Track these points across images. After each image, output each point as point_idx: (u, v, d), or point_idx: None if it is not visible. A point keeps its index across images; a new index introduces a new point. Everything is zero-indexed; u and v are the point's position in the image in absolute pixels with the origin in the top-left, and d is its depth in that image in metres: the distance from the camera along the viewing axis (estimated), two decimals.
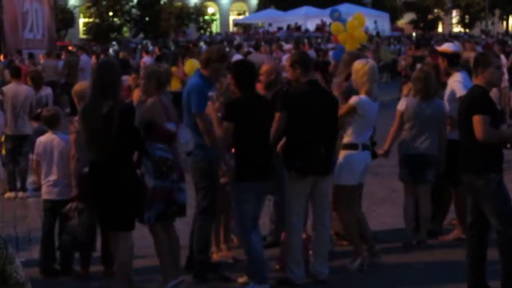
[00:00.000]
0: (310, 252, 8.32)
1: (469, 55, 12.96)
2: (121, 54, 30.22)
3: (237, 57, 9.63)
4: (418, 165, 9.28)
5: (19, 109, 13.00)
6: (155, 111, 7.60)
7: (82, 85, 8.67)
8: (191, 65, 16.19)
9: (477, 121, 7.11)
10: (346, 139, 8.47)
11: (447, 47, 10.15)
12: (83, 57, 28.27)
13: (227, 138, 7.78)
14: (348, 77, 9.01)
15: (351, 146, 8.46)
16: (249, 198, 7.77)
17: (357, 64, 8.57)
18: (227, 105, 7.89)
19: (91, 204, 8.03)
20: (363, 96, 8.46)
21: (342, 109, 8.43)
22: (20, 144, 13.21)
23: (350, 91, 8.84)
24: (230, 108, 7.82)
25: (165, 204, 7.58)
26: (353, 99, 8.44)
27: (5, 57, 29.06)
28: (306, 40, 38.58)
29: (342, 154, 8.46)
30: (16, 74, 13.71)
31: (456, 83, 9.32)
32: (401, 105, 9.42)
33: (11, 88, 13.28)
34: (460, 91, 9.05)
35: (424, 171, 9.28)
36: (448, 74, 9.66)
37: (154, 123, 7.54)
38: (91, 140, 7.31)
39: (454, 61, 9.73)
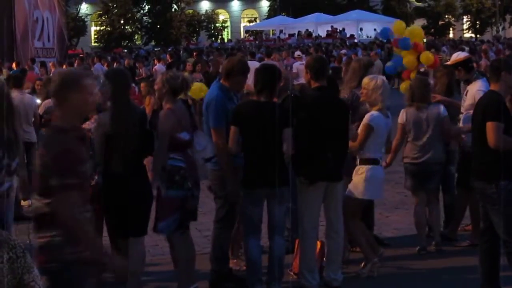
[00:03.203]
0: (324, 258, 8.32)
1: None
2: (126, 62, 30.29)
3: (252, 64, 9.60)
4: (421, 174, 9.25)
5: (24, 118, 12.99)
6: (167, 123, 7.59)
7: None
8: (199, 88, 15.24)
9: (490, 127, 7.07)
10: (365, 155, 8.47)
11: (457, 56, 10.05)
12: (97, 66, 28.38)
13: (233, 143, 7.73)
14: (358, 84, 8.98)
15: (373, 161, 8.47)
16: (252, 204, 7.76)
17: (367, 80, 8.55)
18: (233, 110, 7.82)
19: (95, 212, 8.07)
20: (375, 112, 8.45)
21: (360, 133, 8.41)
22: (27, 153, 13.18)
23: (358, 100, 8.84)
24: (235, 113, 7.77)
25: (180, 213, 7.58)
26: (366, 118, 8.43)
27: (17, 65, 29.15)
28: (313, 47, 38.44)
29: (364, 169, 8.44)
30: (17, 83, 13.65)
31: (479, 92, 9.16)
32: (401, 117, 9.34)
33: (14, 97, 13.13)
34: None
35: (427, 180, 9.25)
36: (467, 81, 9.57)
37: (166, 133, 7.53)
38: (117, 150, 7.27)
39: (470, 66, 9.66)
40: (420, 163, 9.23)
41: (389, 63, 15.44)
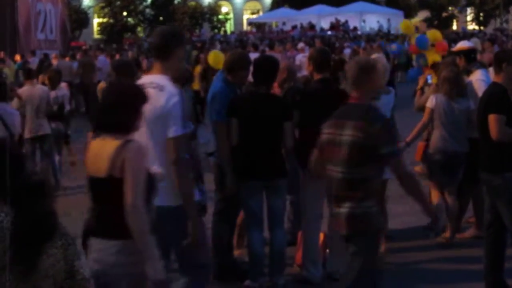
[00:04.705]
0: (327, 250, 8.32)
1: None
2: (130, 54, 30.29)
3: (253, 56, 9.62)
4: (450, 165, 9.21)
5: (36, 110, 12.90)
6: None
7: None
8: (216, 56, 15.83)
9: (492, 120, 7.06)
10: None
11: (462, 44, 10.10)
12: (100, 58, 28.42)
13: (233, 134, 7.70)
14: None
15: None
16: (250, 196, 7.75)
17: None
18: (231, 101, 7.80)
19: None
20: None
21: None
22: (40, 145, 13.13)
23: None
24: (233, 104, 7.75)
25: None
26: None
27: (21, 58, 29.19)
28: (320, 39, 38.39)
29: None
30: (29, 75, 13.64)
31: (478, 82, 9.21)
32: (432, 102, 9.26)
33: (25, 90, 13.14)
34: (483, 90, 8.99)
35: (455, 170, 9.23)
36: (467, 72, 9.59)
37: None
38: None
39: (472, 57, 9.67)
40: (450, 154, 9.17)
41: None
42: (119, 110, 4.85)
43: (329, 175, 5.83)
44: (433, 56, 13.15)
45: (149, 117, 5.38)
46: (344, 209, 5.69)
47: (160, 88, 5.69)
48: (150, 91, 5.42)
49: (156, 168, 5.08)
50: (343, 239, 5.84)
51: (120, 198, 4.71)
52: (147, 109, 5.11)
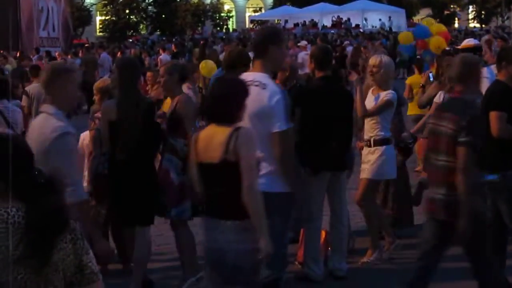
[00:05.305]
0: (329, 248, 8.33)
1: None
2: (132, 52, 30.30)
3: None
4: None
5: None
6: (189, 108, 7.60)
7: (104, 81, 8.71)
8: (208, 66, 15.93)
9: (493, 117, 7.06)
10: (380, 135, 8.41)
11: (467, 42, 10.14)
12: (103, 55, 28.46)
13: None
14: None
15: (388, 141, 8.43)
16: None
17: (380, 59, 8.48)
18: None
19: (104, 201, 8.06)
20: (393, 91, 8.43)
21: (380, 104, 8.36)
22: None
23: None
24: None
25: (192, 199, 7.58)
26: (389, 95, 8.37)
27: (21, 54, 29.16)
28: (321, 37, 38.38)
29: (380, 150, 8.38)
30: (36, 73, 13.62)
31: (482, 79, 9.22)
32: (440, 98, 9.22)
33: (34, 87, 13.06)
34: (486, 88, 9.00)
35: None
36: None
37: (182, 120, 7.51)
38: (120, 137, 7.31)
39: (477, 55, 9.69)
40: None
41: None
42: (227, 101, 5.33)
43: (430, 162, 6.25)
44: (438, 43, 13.19)
45: (252, 113, 5.71)
46: (440, 195, 6.10)
47: (263, 86, 5.99)
48: (253, 89, 5.77)
49: (258, 153, 5.47)
50: (436, 223, 6.22)
51: (232, 181, 5.20)
52: (251, 105, 5.51)
